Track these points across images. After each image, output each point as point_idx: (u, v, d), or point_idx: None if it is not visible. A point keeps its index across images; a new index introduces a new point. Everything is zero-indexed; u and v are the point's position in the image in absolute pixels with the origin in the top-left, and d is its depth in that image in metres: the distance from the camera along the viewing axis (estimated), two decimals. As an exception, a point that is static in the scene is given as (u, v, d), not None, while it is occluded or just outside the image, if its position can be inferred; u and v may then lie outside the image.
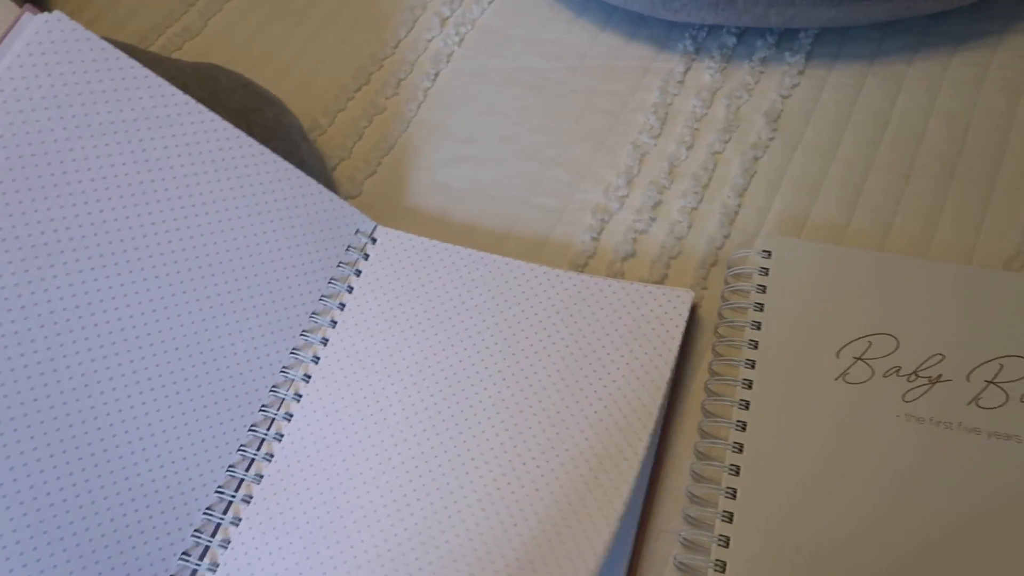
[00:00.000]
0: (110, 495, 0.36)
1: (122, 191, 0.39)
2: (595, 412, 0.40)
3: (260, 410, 0.41)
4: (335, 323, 0.43)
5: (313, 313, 0.43)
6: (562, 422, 0.40)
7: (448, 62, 0.57)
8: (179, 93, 0.41)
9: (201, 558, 0.38)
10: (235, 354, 0.41)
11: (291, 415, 0.41)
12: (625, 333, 0.42)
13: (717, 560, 0.36)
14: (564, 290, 0.44)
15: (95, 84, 0.39)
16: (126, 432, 0.37)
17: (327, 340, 0.43)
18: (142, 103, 0.41)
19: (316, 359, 0.42)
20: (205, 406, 0.40)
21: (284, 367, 0.42)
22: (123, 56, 0.40)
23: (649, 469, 0.40)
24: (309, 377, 0.42)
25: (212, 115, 0.42)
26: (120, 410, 0.37)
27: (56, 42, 0.39)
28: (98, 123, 0.39)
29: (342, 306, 0.44)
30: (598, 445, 0.39)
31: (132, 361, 0.38)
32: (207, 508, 0.39)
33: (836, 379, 0.40)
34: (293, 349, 0.42)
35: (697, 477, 0.40)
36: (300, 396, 0.42)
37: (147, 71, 0.41)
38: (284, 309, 0.43)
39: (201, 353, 0.40)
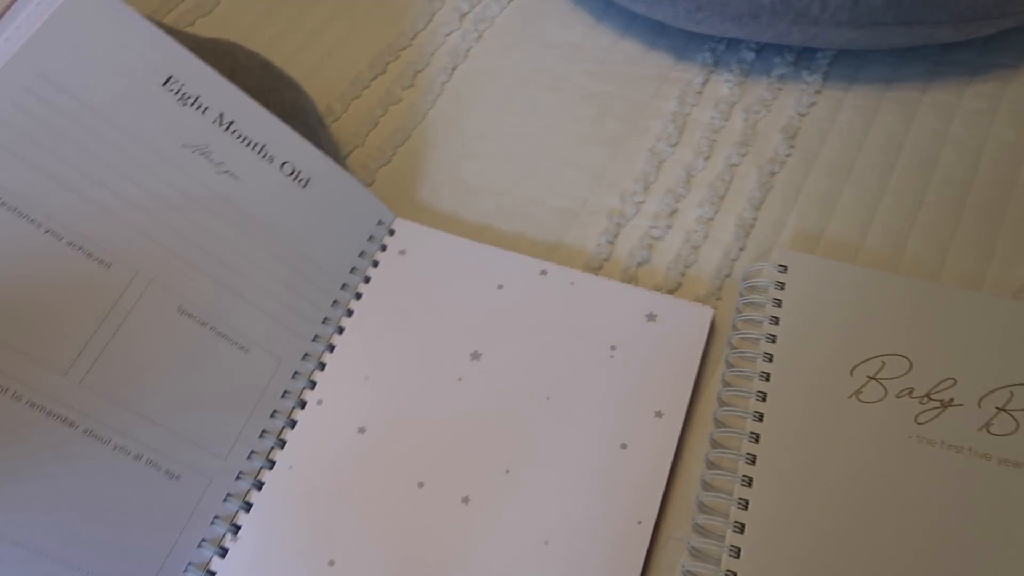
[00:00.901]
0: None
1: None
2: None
3: (282, 397, 0.40)
4: (351, 312, 0.43)
5: (334, 302, 0.42)
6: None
7: (466, 58, 0.57)
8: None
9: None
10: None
11: (305, 402, 0.40)
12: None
13: (728, 570, 0.36)
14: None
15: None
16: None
17: (343, 329, 0.42)
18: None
19: (331, 347, 0.41)
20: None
21: (306, 354, 0.41)
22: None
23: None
24: (324, 365, 0.41)
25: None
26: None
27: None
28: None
29: (358, 296, 0.43)
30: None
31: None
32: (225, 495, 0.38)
33: (850, 397, 0.40)
34: (315, 336, 0.41)
35: (707, 487, 0.39)
36: (315, 383, 0.41)
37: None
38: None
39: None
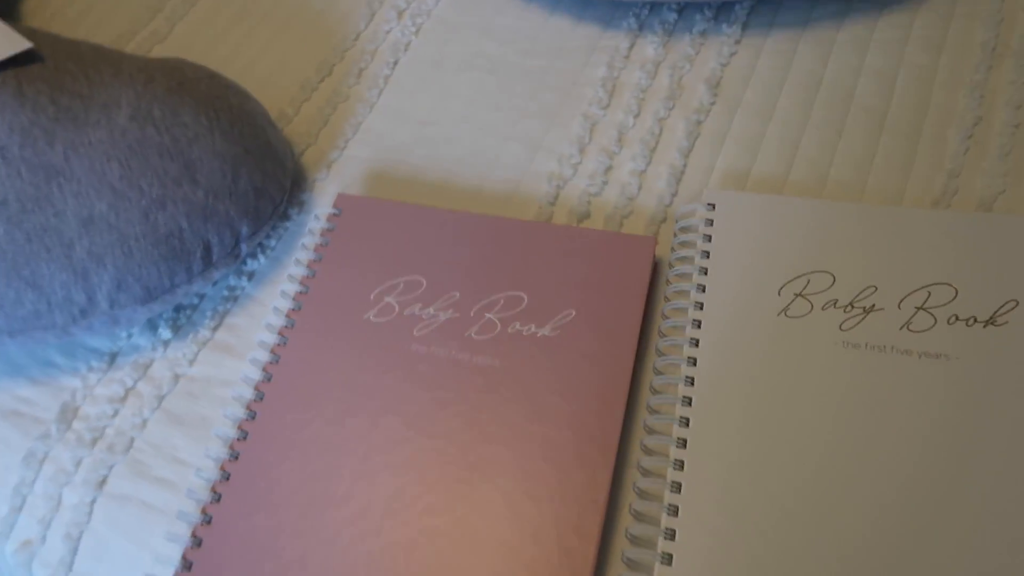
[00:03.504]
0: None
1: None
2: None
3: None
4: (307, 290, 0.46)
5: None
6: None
7: (406, 51, 0.60)
8: None
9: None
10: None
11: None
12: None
13: (673, 481, 0.39)
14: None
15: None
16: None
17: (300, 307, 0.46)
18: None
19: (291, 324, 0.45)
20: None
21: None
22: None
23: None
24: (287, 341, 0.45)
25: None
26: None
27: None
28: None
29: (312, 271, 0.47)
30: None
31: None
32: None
33: (778, 314, 0.43)
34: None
35: (652, 411, 0.42)
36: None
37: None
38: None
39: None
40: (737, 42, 0.56)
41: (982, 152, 0.49)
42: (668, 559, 0.37)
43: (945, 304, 0.42)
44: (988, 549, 0.36)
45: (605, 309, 0.45)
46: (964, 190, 0.48)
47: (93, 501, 0.43)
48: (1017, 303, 0.42)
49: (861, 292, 0.43)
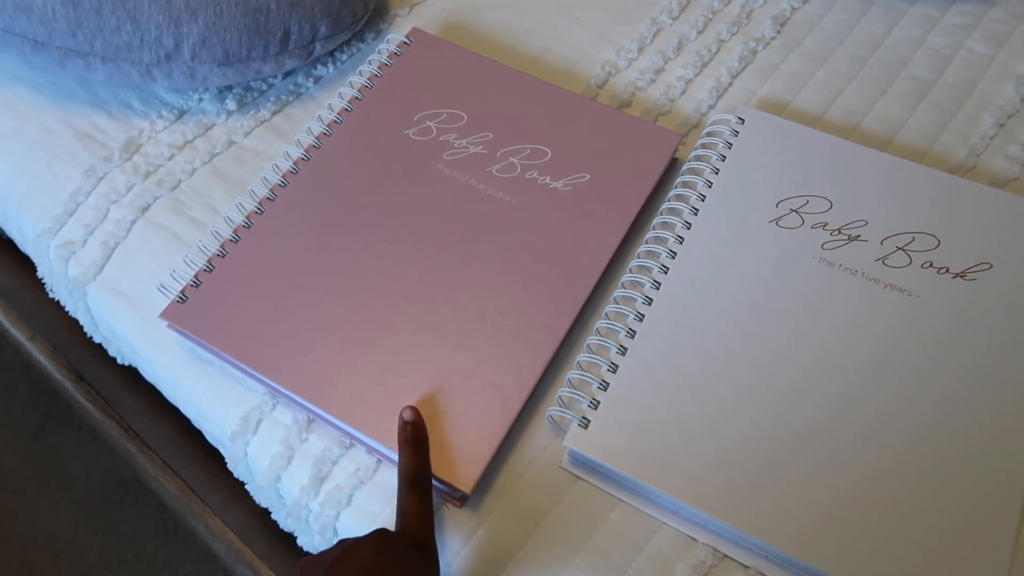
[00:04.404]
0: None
1: None
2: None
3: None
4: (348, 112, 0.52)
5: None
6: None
7: (507, -73, 0.64)
8: None
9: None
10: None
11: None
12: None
13: (629, 328, 0.43)
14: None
15: None
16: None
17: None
18: None
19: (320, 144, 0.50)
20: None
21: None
22: None
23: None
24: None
25: None
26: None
27: None
28: None
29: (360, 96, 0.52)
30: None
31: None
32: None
33: (770, 222, 0.47)
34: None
35: (631, 272, 0.46)
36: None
37: None
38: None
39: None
40: (814, -9, 0.59)
41: (1008, 139, 0.51)
42: (604, 386, 0.42)
43: (925, 251, 0.45)
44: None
45: (618, 181, 0.48)
46: (981, 167, 0.50)
47: (134, 221, 0.49)
48: (991, 266, 0.45)
49: (852, 222, 0.46)
